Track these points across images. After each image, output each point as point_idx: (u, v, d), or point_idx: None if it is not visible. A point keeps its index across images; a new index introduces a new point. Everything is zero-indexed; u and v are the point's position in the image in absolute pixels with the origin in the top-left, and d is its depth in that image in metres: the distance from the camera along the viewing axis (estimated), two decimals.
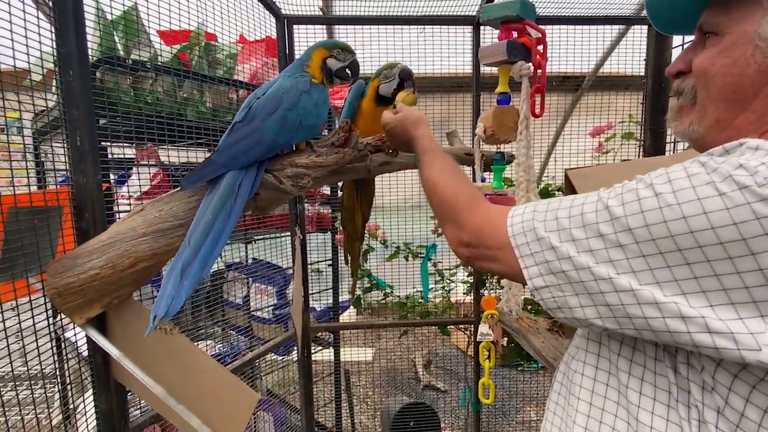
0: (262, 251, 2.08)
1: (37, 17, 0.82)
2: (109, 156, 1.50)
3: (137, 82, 1.48)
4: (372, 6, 1.88)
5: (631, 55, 2.23)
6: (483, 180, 1.35)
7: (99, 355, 0.93)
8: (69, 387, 1.20)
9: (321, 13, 1.88)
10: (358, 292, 2.44)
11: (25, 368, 0.85)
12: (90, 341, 0.89)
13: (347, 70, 1.10)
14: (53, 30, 0.84)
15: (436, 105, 2.27)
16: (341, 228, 1.65)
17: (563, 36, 2.10)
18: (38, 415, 0.92)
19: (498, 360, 1.38)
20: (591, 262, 0.50)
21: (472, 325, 2.15)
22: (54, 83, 0.97)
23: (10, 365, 0.82)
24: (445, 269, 2.50)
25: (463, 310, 2.55)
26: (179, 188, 0.91)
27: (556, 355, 1.39)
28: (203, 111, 1.66)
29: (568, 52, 2.15)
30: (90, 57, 1.34)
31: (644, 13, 2.03)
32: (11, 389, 0.86)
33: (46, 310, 0.88)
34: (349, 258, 1.55)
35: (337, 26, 2.02)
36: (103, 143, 1.36)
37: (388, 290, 2.46)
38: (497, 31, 1.14)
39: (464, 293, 2.47)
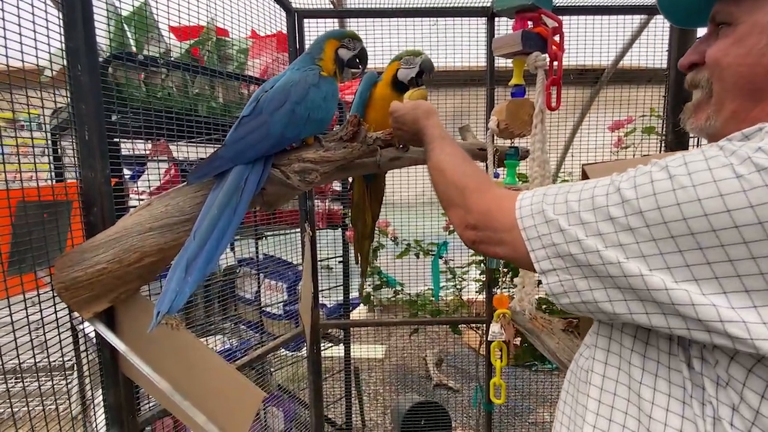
0: (273, 247, 2.09)
1: (45, 11, 0.82)
2: (123, 152, 1.52)
3: (149, 77, 1.49)
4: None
5: (653, 47, 2.15)
6: (496, 176, 1.31)
7: (107, 350, 0.93)
8: (89, 378, 1.22)
9: (332, 6, 1.85)
10: (369, 289, 2.43)
11: (43, 360, 0.86)
12: (98, 335, 0.89)
13: (357, 59, 1.08)
14: (61, 24, 0.84)
15: (449, 99, 2.23)
16: (351, 225, 1.64)
17: (581, 27, 2.02)
18: (59, 406, 0.94)
19: (510, 360, 1.35)
20: (600, 246, 0.49)
21: (484, 325, 2.11)
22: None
23: (33, 357, 0.83)
24: (457, 267, 2.47)
25: (475, 309, 2.51)
26: (185, 183, 0.90)
27: (571, 357, 1.34)
28: (214, 106, 1.66)
29: (587, 44, 2.08)
30: (103, 53, 1.36)
31: None
32: (34, 380, 0.88)
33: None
34: (359, 256, 1.54)
35: (348, 19, 2.00)
36: (115, 139, 1.38)
37: (399, 288, 2.44)
38: (512, 22, 1.11)
39: (476, 292, 2.43)
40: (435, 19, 1.91)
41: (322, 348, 2.16)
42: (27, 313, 0.79)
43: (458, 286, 2.49)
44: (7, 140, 0.85)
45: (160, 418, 1.14)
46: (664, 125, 1.75)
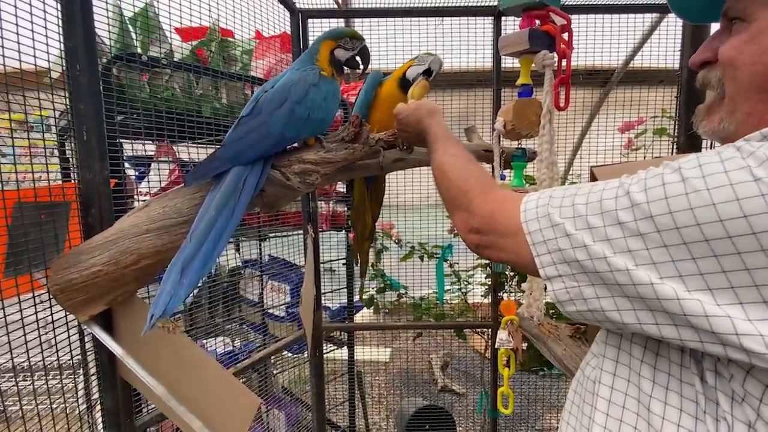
0: (277, 249, 2.08)
1: (44, 10, 0.81)
2: (128, 152, 1.52)
3: (153, 78, 1.48)
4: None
5: (665, 47, 2.10)
6: (503, 178, 1.28)
7: (104, 353, 0.92)
8: (96, 377, 1.22)
9: (336, 6, 1.84)
10: (372, 291, 2.40)
11: (48, 359, 0.86)
12: (95, 338, 0.88)
13: (357, 57, 1.05)
14: (59, 24, 0.83)
15: (455, 100, 2.20)
16: (351, 225, 1.62)
17: (590, 26, 1.98)
18: (66, 405, 0.94)
19: (518, 366, 1.31)
20: (608, 252, 0.47)
21: (490, 329, 2.07)
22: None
23: (41, 355, 0.84)
24: (462, 270, 2.43)
25: (480, 313, 2.47)
26: (183, 184, 0.89)
27: (579, 364, 1.31)
28: (218, 107, 1.65)
29: (596, 43, 2.04)
30: (106, 53, 1.36)
31: None
32: (41, 379, 0.87)
33: None
34: (359, 257, 1.52)
35: (353, 19, 1.98)
36: (119, 140, 1.38)
37: (402, 291, 2.41)
38: (519, 20, 1.08)
39: (482, 296, 2.39)
40: (440, 18, 1.88)
41: (326, 351, 2.14)
42: (36, 310, 0.79)
43: (463, 290, 2.45)
44: (18, 141, 0.85)
45: (159, 422, 1.13)
46: (676, 127, 1.70)
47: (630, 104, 2.19)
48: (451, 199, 0.71)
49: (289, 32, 1.81)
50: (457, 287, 2.44)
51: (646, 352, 0.52)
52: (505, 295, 1.72)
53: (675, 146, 1.69)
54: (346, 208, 2.24)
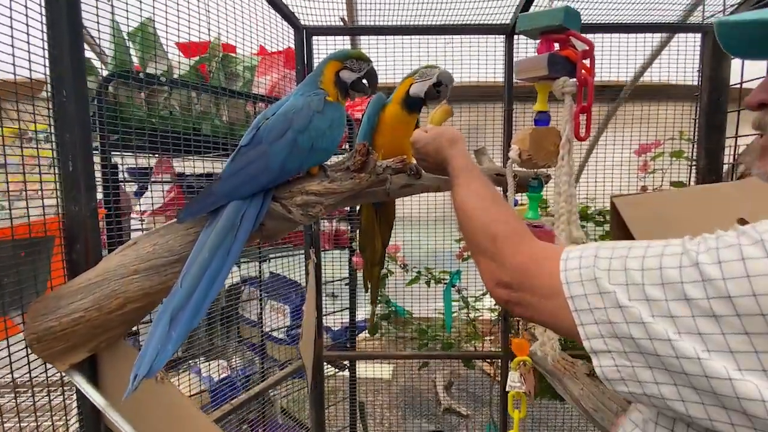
0: (278, 266, 2.01)
1: (27, 24, 0.75)
2: (121, 172, 1.46)
3: (151, 96, 1.43)
4: (397, 15, 1.77)
5: (675, 63, 2.04)
6: (515, 203, 1.21)
7: (88, 402, 0.85)
8: (79, 425, 1.15)
9: (342, 23, 1.78)
10: (376, 318, 2.32)
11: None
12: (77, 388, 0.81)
13: (363, 80, 0.99)
14: (45, 47, 0.77)
15: (464, 115, 2.14)
16: (359, 251, 1.54)
17: (598, 42, 1.93)
18: (54, 423, 0.87)
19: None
20: (671, 333, 0.40)
21: (500, 360, 1.97)
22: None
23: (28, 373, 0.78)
24: (470, 297, 2.34)
25: (489, 339, 2.37)
26: (175, 220, 0.82)
27: (597, 406, 1.22)
28: (218, 125, 1.60)
29: (603, 60, 1.98)
30: (103, 71, 1.30)
31: (691, 19, 1.85)
32: (28, 397, 0.81)
33: None
34: (369, 284, 1.45)
35: (359, 37, 1.93)
36: (113, 160, 1.32)
37: (408, 317, 2.32)
38: (532, 40, 1.02)
39: (492, 323, 2.30)
40: (450, 36, 1.82)
41: (326, 374, 2.06)
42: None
43: (472, 317, 2.35)
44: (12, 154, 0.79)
45: None
46: (695, 149, 1.63)
47: (640, 120, 2.12)
48: (476, 244, 0.63)
49: (293, 47, 1.76)
50: (464, 311, 2.35)
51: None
52: (520, 333, 1.60)
53: (695, 170, 1.61)
54: (349, 227, 2.17)
